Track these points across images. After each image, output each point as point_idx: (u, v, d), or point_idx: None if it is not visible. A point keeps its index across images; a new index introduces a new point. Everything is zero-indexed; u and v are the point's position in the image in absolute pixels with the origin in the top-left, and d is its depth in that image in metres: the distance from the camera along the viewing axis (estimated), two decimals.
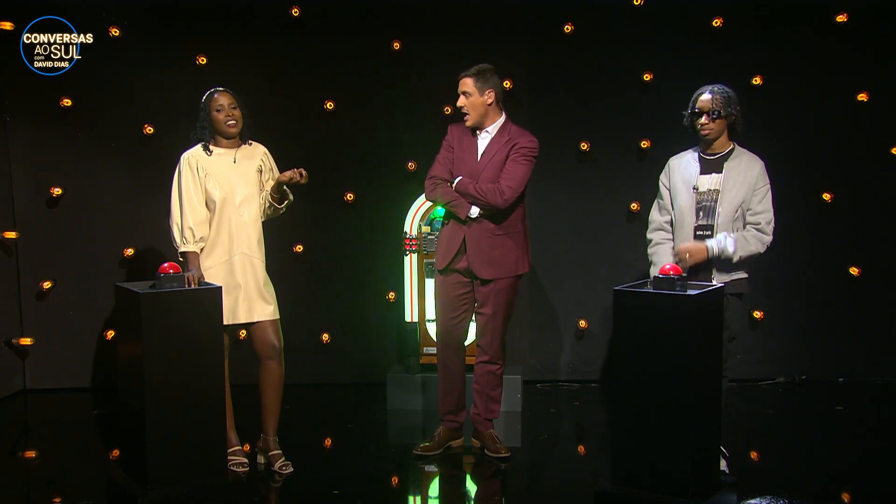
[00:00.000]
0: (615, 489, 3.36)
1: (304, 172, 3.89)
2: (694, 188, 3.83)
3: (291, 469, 3.98)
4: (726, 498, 3.41)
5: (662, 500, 3.24)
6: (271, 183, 3.99)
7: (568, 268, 5.52)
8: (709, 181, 3.82)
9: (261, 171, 3.99)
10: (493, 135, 4.10)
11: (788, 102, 5.39)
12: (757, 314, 5.45)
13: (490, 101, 4.06)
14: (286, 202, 4.03)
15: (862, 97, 5.32)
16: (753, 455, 4.39)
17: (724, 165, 3.81)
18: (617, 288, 3.40)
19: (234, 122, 3.89)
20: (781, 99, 5.38)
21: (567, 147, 5.45)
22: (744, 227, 3.78)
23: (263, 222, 4.02)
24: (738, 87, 5.28)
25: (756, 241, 3.75)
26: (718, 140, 3.83)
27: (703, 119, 3.78)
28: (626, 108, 5.40)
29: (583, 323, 5.52)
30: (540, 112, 5.43)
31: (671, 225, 3.94)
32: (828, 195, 5.41)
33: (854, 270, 5.42)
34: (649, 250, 4.01)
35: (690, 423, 3.21)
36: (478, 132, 4.13)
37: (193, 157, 3.90)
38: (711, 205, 3.79)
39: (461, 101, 4.06)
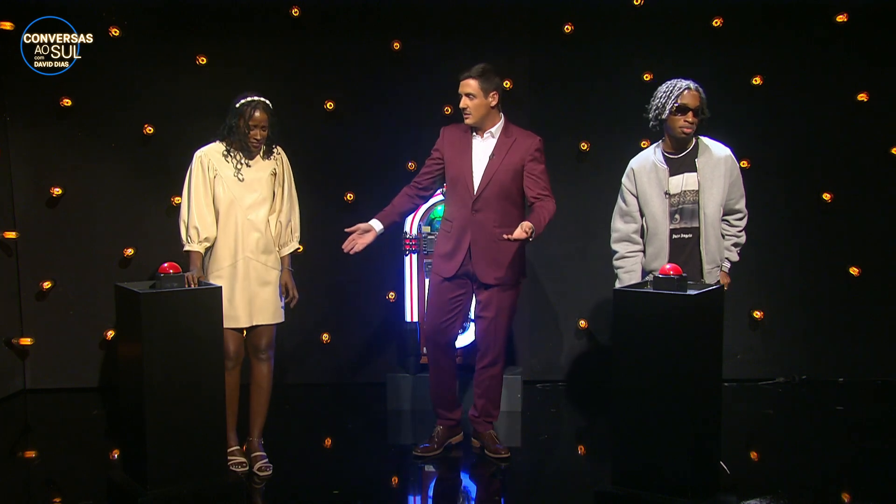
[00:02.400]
0: (615, 489, 3.37)
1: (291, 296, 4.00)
2: (665, 193, 3.74)
3: (270, 471, 3.96)
4: (726, 498, 3.41)
5: (662, 500, 3.24)
6: (279, 196, 3.97)
7: (568, 268, 5.52)
8: (681, 182, 3.72)
9: (275, 175, 3.97)
10: (497, 137, 4.06)
11: (788, 102, 5.39)
12: (757, 314, 5.45)
13: (494, 102, 4.01)
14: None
15: (862, 97, 5.32)
16: (753, 455, 4.39)
17: (696, 163, 3.71)
18: (617, 288, 3.41)
19: (257, 142, 3.86)
20: (781, 99, 5.38)
21: (567, 147, 5.45)
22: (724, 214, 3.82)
23: None
24: (738, 87, 5.36)
25: (737, 237, 3.89)
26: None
27: (690, 117, 3.66)
28: (626, 108, 5.38)
29: (583, 323, 5.52)
30: (540, 112, 5.43)
31: (641, 234, 3.86)
32: (828, 195, 5.41)
33: (854, 270, 5.42)
34: (614, 262, 3.93)
35: (690, 423, 3.21)
36: (476, 134, 4.08)
37: (206, 155, 3.88)
38: (691, 206, 3.71)
39: (464, 103, 3.98)
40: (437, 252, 4.20)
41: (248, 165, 3.91)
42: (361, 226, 4.10)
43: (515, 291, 4.15)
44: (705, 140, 3.79)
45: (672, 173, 3.74)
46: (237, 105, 3.85)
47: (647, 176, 3.79)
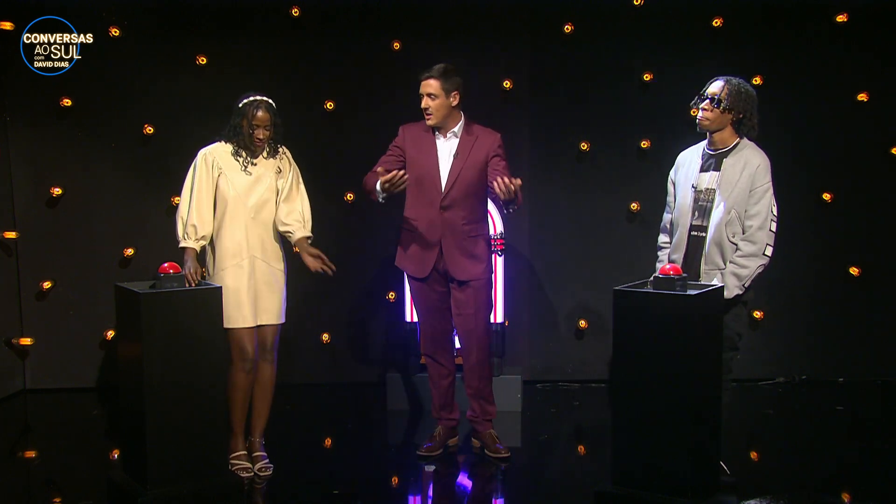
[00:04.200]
0: (615, 489, 3.36)
1: (328, 269, 3.92)
2: (693, 186, 3.70)
3: (270, 472, 3.96)
4: (726, 498, 3.41)
5: (662, 500, 3.24)
6: (286, 187, 3.97)
7: (568, 268, 5.52)
8: (707, 179, 3.66)
9: (279, 172, 3.97)
10: (460, 136, 4.07)
11: (788, 102, 5.38)
12: (757, 314, 5.44)
13: (455, 102, 4.02)
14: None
15: (862, 97, 5.32)
16: (753, 455, 4.39)
17: (724, 162, 3.63)
18: (617, 288, 3.40)
19: (260, 141, 3.87)
20: (781, 99, 5.37)
21: (567, 147, 5.45)
22: (742, 232, 3.60)
23: None
24: None
25: (739, 266, 3.54)
26: (721, 134, 3.64)
27: (705, 104, 3.61)
28: (627, 108, 5.39)
29: (583, 323, 5.52)
30: (540, 112, 5.43)
31: (672, 224, 3.87)
32: (828, 195, 5.41)
33: (854, 270, 5.42)
34: (658, 252, 3.98)
35: (690, 423, 3.21)
36: (439, 134, 4.08)
37: (210, 154, 3.89)
38: (707, 205, 3.65)
39: (425, 103, 3.98)
40: (404, 251, 4.19)
41: (253, 164, 3.91)
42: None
43: (490, 286, 4.20)
44: (746, 143, 3.67)
45: (703, 169, 3.69)
46: (240, 105, 3.87)
47: (685, 167, 3.78)
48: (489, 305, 4.22)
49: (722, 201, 3.61)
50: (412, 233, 4.12)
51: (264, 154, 3.95)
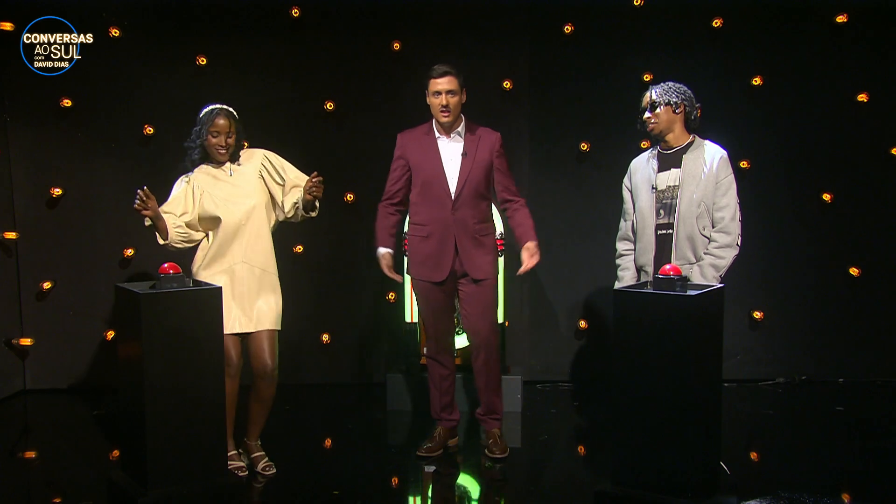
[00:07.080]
0: (615, 489, 3.36)
1: (316, 179, 3.81)
2: (653, 188, 3.75)
3: (274, 470, 3.96)
4: (726, 498, 3.41)
5: (662, 500, 3.24)
6: (280, 185, 3.97)
7: (568, 268, 5.52)
8: (667, 178, 3.73)
9: (262, 177, 3.97)
10: (464, 136, 4.06)
11: (788, 102, 5.39)
12: (757, 314, 5.45)
13: (464, 100, 4.02)
14: (316, 209, 4.02)
15: (862, 97, 5.32)
16: (753, 455, 4.39)
17: (683, 158, 3.71)
18: (617, 288, 3.41)
19: (223, 150, 3.87)
20: (781, 99, 5.38)
21: (567, 147, 5.45)
22: (711, 224, 3.66)
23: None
24: (738, 87, 5.36)
25: (716, 258, 3.64)
26: (673, 133, 3.75)
27: (647, 114, 3.75)
28: (626, 108, 5.36)
29: (583, 323, 5.52)
30: (540, 112, 5.43)
31: (633, 230, 3.89)
32: (828, 195, 5.41)
33: (854, 271, 5.42)
34: (616, 260, 4.00)
35: (690, 423, 3.21)
36: (441, 135, 4.06)
37: (188, 177, 3.91)
38: (671, 202, 3.69)
39: (445, 100, 3.93)
40: (416, 259, 4.14)
41: (230, 175, 3.91)
42: (388, 266, 4.15)
43: (497, 285, 4.24)
44: (702, 140, 3.79)
45: (661, 169, 3.77)
46: (201, 115, 3.89)
47: (640, 172, 3.86)
48: (495, 305, 4.21)
49: (688, 196, 3.67)
50: (425, 239, 4.08)
51: (238, 162, 3.94)
